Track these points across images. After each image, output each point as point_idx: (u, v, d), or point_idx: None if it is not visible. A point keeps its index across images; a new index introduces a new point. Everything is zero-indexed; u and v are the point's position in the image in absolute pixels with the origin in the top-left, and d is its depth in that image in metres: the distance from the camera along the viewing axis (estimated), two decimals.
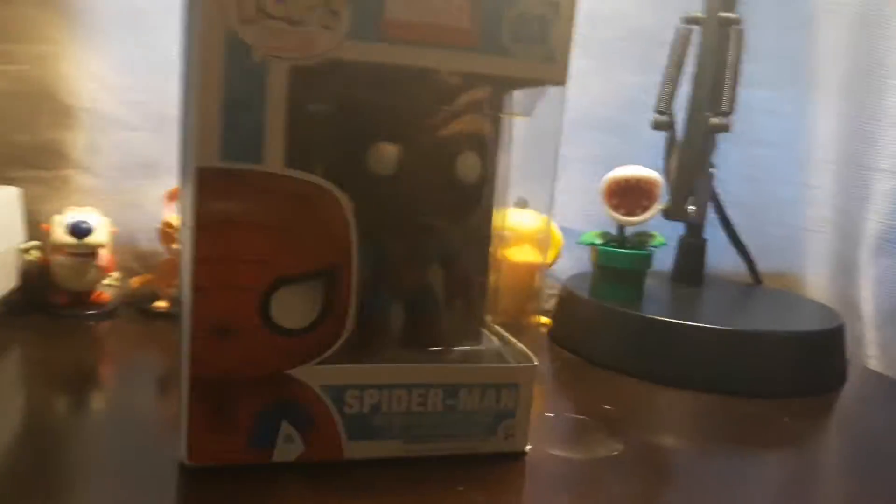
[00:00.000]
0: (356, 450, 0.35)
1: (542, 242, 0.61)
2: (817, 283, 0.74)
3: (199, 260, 0.32)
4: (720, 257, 0.72)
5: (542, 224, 0.60)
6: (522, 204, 0.44)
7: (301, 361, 0.34)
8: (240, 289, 0.33)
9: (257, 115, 0.31)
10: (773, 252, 0.74)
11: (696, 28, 0.61)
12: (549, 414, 0.44)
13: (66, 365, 0.48)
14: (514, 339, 0.39)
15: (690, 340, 0.52)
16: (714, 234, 0.68)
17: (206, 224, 0.32)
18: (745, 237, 0.70)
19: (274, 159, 0.32)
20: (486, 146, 0.38)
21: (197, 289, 0.32)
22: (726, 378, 0.51)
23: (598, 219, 0.60)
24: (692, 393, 0.51)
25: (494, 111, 0.38)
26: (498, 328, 0.41)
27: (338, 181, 0.33)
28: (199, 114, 0.31)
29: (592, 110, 0.70)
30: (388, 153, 0.36)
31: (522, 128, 0.39)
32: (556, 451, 0.39)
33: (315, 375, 0.34)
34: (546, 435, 0.41)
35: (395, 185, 0.36)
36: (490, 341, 0.41)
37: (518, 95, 0.38)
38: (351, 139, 0.36)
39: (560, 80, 0.35)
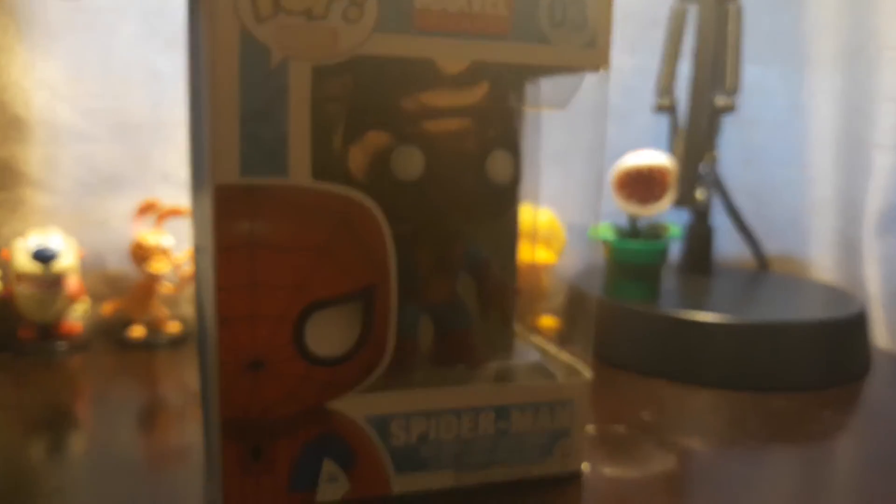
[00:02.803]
0: (404, 483, 0.33)
1: (546, 240, 0.60)
2: (821, 264, 0.75)
3: (223, 288, 0.30)
4: (724, 243, 0.73)
5: (545, 221, 0.59)
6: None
7: (341, 392, 0.32)
8: (270, 317, 0.30)
9: (279, 122, 0.29)
10: (776, 234, 0.75)
11: (691, 6, 0.61)
12: (589, 427, 0.43)
13: (38, 407, 0.45)
14: (556, 350, 0.38)
15: (716, 337, 0.52)
16: (714, 219, 0.68)
17: (228, 247, 0.30)
18: (747, 221, 0.70)
19: (300, 171, 0.30)
20: (518, 143, 0.36)
21: (222, 320, 0.30)
22: (755, 374, 0.51)
23: (602, 211, 0.60)
24: (723, 392, 0.50)
25: (523, 104, 0.37)
26: (540, 340, 0.40)
27: (360, 189, 0.31)
28: (215, 125, 0.29)
29: (586, 96, 0.69)
30: (412, 156, 0.34)
31: (557, 121, 0.38)
32: (610, 470, 0.38)
33: (357, 406, 0.32)
34: (594, 452, 0.40)
35: (421, 190, 0.34)
36: (525, 352, 0.40)
37: (551, 86, 0.37)
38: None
39: (602, 64, 0.34)
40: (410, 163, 0.34)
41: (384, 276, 0.32)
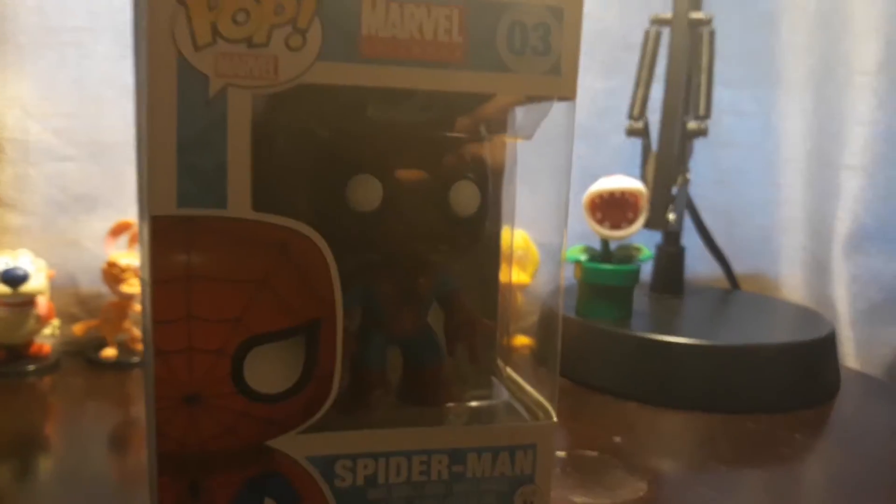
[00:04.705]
0: None
1: (520, 260, 0.57)
2: (791, 283, 0.71)
3: (159, 321, 0.26)
4: (694, 262, 0.69)
5: (519, 241, 0.55)
6: None
7: (283, 431, 0.28)
8: (207, 352, 0.27)
9: (217, 153, 0.26)
10: (746, 254, 0.71)
11: (665, 30, 0.57)
12: (560, 453, 0.40)
13: (7, 429, 0.42)
14: (529, 388, 0.34)
15: (686, 359, 0.48)
16: (686, 239, 0.64)
17: (164, 280, 0.26)
18: (718, 240, 0.67)
19: (239, 202, 0.26)
20: (486, 174, 0.32)
21: (158, 353, 0.27)
22: (726, 395, 0.48)
23: (574, 232, 0.56)
24: (693, 414, 0.47)
25: (495, 133, 0.33)
26: (513, 374, 0.36)
27: (315, 221, 0.28)
28: (151, 155, 0.26)
29: (553, 120, 0.65)
30: (369, 187, 0.30)
31: (525, 150, 0.34)
32: (580, 499, 0.35)
33: (299, 446, 0.28)
34: (564, 479, 0.37)
35: (380, 222, 0.30)
36: (498, 390, 0.36)
37: (518, 114, 0.33)
38: (327, 173, 0.30)
39: (568, 93, 0.29)
40: (367, 193, 0.30)
41: (329, 310, 0.28)
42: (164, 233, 0.26)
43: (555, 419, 0.32)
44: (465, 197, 0.31)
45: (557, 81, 0.29)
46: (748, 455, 0.42)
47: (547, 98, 0.30)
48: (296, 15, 0.26)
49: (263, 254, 0.27)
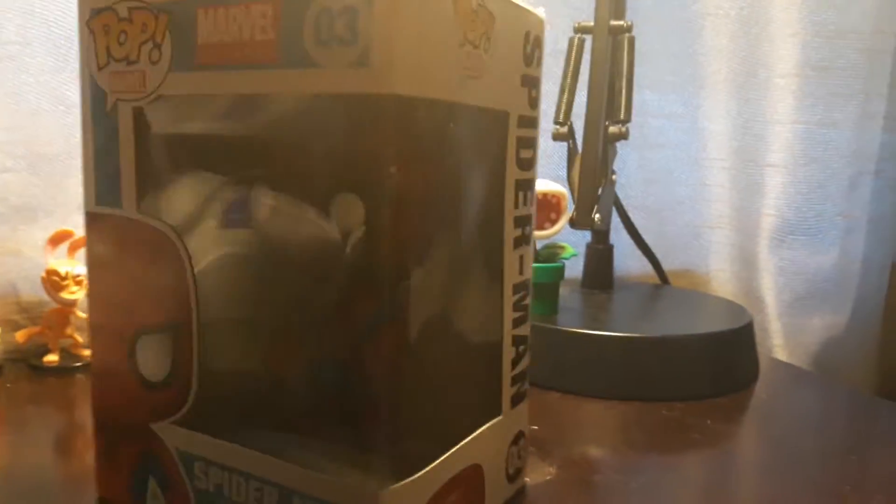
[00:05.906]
0: None
1: None
2: (721, 278, 0.75)
3: (92, 298, 0.32)
4: (627, 260, 0.72)
5: None
6: None
7: (160, 417, 0.31)
8: (116, 332, 0.31)
9: (115, 159, 0.30)
10: (677, 250, 0.75)
11: (588, 37, 0.60)
12: None
13: None
14: None
15: (606, 350, 0.51)
16: (619, 237, 0.67)
17: (93, 265, 0.32)
18: (648, 238, 0.69)
19: (129, 203, 0.30)
20: (382, 185, 0.25)
21: (92, 327, 0.32)
22: (643, 384, 0.50)
23: None
24: (613, 403, 0.49)
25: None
26: None
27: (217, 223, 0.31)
28: (83, 160, 0.31)
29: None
30: (264, 197, 0.30)
31: None
32: None
33: (169, 436, 0.31)
34: None
35: (267, 236, 0.30)
36: None
37: None
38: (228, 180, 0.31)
39: (380, 88, 0.24)
40: (261, 203, 0.30)
41: (186, 317, 0.29)
42: (90, 225, 0.32)
43: (382, 491, 0.26)
44: (345, 213, 0.28)
45: (365, 74, 0.24)
46: (659, 440, 0.44)
47: (358, 94, 0.25)
48: (155, 30, 0.28)
49: (146, 251, 0.30)
